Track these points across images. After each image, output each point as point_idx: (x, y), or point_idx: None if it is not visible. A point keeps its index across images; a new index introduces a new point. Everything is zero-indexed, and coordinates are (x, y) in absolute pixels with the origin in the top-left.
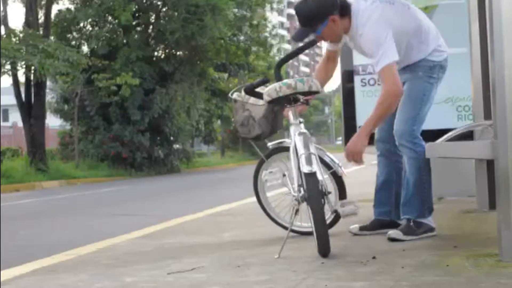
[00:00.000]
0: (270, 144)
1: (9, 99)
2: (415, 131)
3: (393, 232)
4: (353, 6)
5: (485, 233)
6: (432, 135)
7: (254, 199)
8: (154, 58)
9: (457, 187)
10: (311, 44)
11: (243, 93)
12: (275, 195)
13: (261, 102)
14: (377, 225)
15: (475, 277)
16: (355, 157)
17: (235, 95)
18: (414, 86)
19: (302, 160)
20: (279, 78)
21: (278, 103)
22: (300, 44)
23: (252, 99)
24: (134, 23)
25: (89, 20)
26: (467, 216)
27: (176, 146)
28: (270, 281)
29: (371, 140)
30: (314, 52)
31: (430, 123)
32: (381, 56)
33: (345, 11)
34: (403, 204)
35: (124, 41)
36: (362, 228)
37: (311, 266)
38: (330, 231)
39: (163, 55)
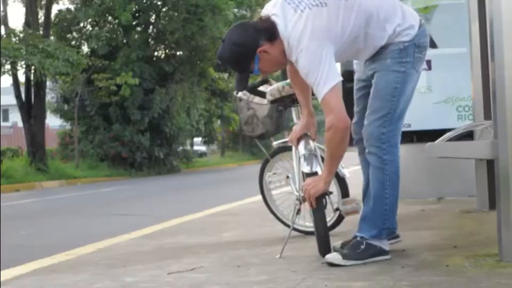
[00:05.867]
0: (275, 143)
1: (9, 99)
2: (386, 135)
3: (330, 256)
4: (279, 25)
5: (485, 233)
6: (432, 135)
7: (254, 199)
8: (154, 58)
9: (457, 187)
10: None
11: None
12: (280, 193)
13: (265, 101)
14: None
15: (475, 277)
16: (313, 202)
17: (240, 94)
18: (383, 78)
19: (303, 160)
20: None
21: (281, 103)
22: None
23: (257, 99)
24: (134, 23)
25: (89, 20)
26: (467, 216)
27: (176, 146)
28: (270, 281)
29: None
30: None
31: (430, 123)
32: (319, 83)
33: (272, 34)
34: (362, 219)
35: (124, 41)
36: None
37: (311, 266)
38: (331, 231)
39: (163, 55)
